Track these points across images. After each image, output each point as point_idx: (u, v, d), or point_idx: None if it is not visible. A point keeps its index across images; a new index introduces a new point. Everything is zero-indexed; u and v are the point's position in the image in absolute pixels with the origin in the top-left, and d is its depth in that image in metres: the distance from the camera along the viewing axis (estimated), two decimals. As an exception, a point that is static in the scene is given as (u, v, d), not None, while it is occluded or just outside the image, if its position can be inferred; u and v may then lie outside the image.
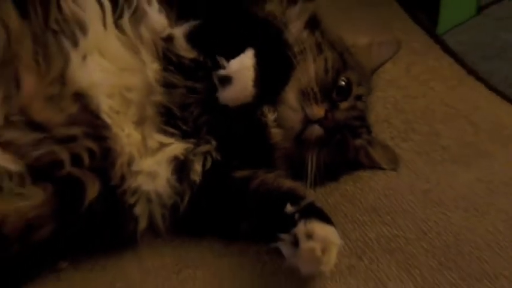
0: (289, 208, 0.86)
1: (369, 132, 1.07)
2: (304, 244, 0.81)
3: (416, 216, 1.00)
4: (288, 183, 0.94)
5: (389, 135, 1.18)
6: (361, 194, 1.05)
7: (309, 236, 0.81)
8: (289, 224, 0.85)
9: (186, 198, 0.93)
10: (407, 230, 0.98)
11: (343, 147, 1.02)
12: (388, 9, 1.51)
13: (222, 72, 0.90)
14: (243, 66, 0.90)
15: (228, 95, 0.90)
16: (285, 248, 0.84)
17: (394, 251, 0.93)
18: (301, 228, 0.82)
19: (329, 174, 1.03)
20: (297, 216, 0.85)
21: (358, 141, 1.04)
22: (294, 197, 0.89)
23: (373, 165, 1.09)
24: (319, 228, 0.82)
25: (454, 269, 0.91)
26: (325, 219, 0.86)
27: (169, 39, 0.94)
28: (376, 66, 1.10)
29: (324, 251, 0.80)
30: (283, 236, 0.84)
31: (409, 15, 1.49)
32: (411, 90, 1.30)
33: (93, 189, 0.88)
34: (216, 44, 0.94)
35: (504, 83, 1.32)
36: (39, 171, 0.87)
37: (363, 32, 1.37)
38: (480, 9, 1.57)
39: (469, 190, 1.06)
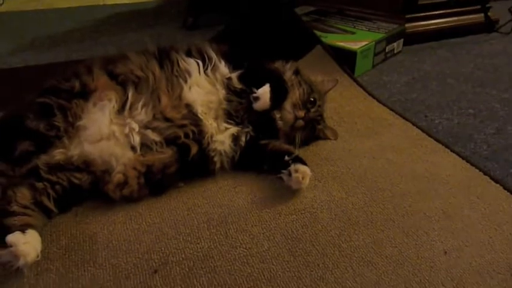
0: (286, 158, 0.97)
1: (324, 122, 1.15)
2: (294, 174, 0.93)
3: (346, 161, 1.07)
4: (286, 147, 1.03)
5: (333, 123, 1.20)
6: (319, 151, 1.11)
7: (296, 171, 0.94)
8: (286, 165, 0.96)
9: (238, 153, 1.01)
10: (341, 168, 1.05)
11: (313, 130, 1.12)
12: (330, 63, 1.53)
13: (254, 95, 1.02)
14: (264, 92, 1.02)
15: (257, 106, 1.02)
16: (285, 177, 0.95)
17: (336, 178, 1.01)
18: (292, 167, 0.95)
19: (306, 142, 1.12)
20: (290, 161, 0.96)
21: (319, 127, 1.13)
22: (289, 153, 0.99)
23: (326, 138, 1.15)
24: (301, 167, 0.95)
25: (364, 186, 0.98)
26: (304, 163, 0.97)
27: (229, 78, 1.04)
28: (326, 91, 1.17)
29: (303, 178, 0.93)
30: (284, 171, 0.95)
31: (340, 68, 1.51)
32: (342, 102, 1.35)
33: (194, 149, 0.96)
34: (252, 81, 1.03)
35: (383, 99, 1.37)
36: (169, 141, 0.96)
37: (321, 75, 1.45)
38: (373, 66, 1.63)
39: (368, 149, 1.11)
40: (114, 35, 2.01)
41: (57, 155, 0.90)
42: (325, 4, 2.07)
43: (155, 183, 0.94)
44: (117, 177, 0.91)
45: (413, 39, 1.84)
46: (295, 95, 1.07)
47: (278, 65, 1.15)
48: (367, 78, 1.58)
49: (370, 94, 1.40)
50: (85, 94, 0.95)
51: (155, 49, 1.05)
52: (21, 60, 1.68)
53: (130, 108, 0.95)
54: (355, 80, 1.47)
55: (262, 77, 1.04)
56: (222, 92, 1.02)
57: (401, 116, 1.28)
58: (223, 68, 1.04)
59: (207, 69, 1.03)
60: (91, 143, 0.92)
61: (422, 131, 1.21)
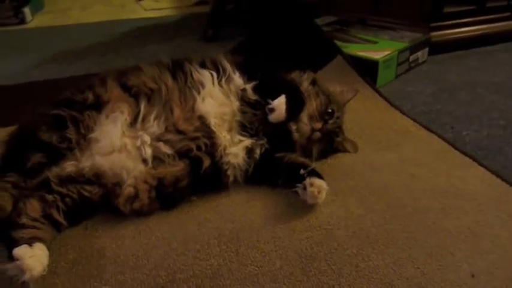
0: (302, 171, 0.93)
1: (343, 134, 1.11)
2: (309, 189, 0.90)
3: (366, 175, 1.02)
4: (301, 159, 0.99)
5: (353, 135, 1.14)
6: (338, 164, 1.07)
7: (311, 184, 0.90)
8: (302, 179, 0.92)
9: (252, 166, 0.98)
10: (360, 182, 1.00)
11: (331, 142, 1.08)
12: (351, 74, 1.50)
13: (270, 106, 0.99)
14: (280, 103, 0.99)
15: (273, 117, 0.99)
16: (300, 191, 0.91)
17: (354, 193, 0.96)
18: (307, 181, 0.91)
19: (324, 155, 1.08)
20: (306, 175, 0.93)
21: (338, 139, 1.09)
22: (305, 166, 0.95)
23: (345, 150, 1.11)
24: (317, 181, 0.91)
25: (383, 201, 0.93)
26: (320, 176, 0.93)
27: (244, 90, 1.02)
28: (345, 101, 1.13)
29: (319, 192, 0.89)
30: (299, 185, 0.91)
31: (361, 78, 1.47)
32: (363, 114, 1.30)
33: (206, 162, 0.94)
34: (267, 92, 1.00)
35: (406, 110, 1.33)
36: (182, 153, 0.94)
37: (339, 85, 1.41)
38: (396, 76, 1.58)
39: (389, 163, 1.06)
40: (135, 48, 2.04)
41: (69, 167, 0.90)
42: (347, 14, 2.04)
43: (166, 197, 0.92)
44: (128, 190, 0.90)
45: (439, 48, 1.77)
46: (312, 106, 1.04)
47: (295, 75, 1.12)
48: (390, 88, 1.53)
49: (392, 105, 1.35)
50: (98, 106, 0.94)
51: (169, 61, 1.04)
52: (43, 73, 1.72)
53: (143, 120, 0.94)
54: (377, 91, 1.42)
55: (277, 88, 1.01)
56: (236, 104, 0.99)
57: (425, 127, 1.23)
58: (237, 79, 1.02)
59: (221, 80, 1.02)
60: (102, 156, 0.91)
61: (448, 143, 1.15)
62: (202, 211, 0.93)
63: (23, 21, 2.47)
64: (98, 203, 0.90)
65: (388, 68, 1.54)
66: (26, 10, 2.49)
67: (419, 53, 1.68)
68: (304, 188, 0.90)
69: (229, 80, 1.02)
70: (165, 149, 0.93)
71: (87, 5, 3.04)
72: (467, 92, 1.48)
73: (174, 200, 0.93)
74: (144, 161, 0.92)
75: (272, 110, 0.98)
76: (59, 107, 0.94)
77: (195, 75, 1.00)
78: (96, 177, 0.90)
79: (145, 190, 0.91)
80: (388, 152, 1.12)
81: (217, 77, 1.02)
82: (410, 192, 0.97)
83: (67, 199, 0.87)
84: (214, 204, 0.95)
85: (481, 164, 1.06)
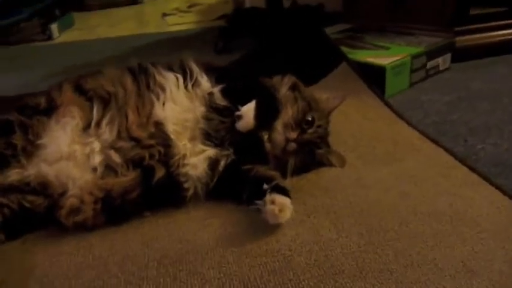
0: (265, 186, 0.80)
1: (327, 146, 0.96)
2: (269, 206, 0.76)
3: (349, 192, 0.87)
4: (270, 173, 0.85)
5: (345, 148, 1.01)
6: (319, 180, 0.92)
7: (272, 202, 0.77)
8: (264, 195, 0.78)
9: (215, 179, 0.87)
10: (341, 201, 0.84)
11: (311, 154, 0.94)
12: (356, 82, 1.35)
13: (237, 112, 0.87)
14: (248, 109, 0.87)
15: (240, 125, 0.87)
16: (262, 208, 0.77)
17: (330, 213, 0.81)
18: (268, 197, 0.78)
19: (303, 169, 0.94)
20: (268, 190, 0.78)
21: (320, 151, 0.95)
22: (270, 180, 0.81)
23: (330, 164, 0.96)
24: (279, 198, 0.78)
25: (363, 224, 0.78)
26: (285, 193, 0.80)
27: (211, 94, 0.91)
28: (330, 109, 0.99)
29: (280, 211, 0.76)
30: (259, 202, 0.78)
31: (367, 86, 1.32)
32: (363, 125, 1.15)
33: (160, 172, 0.84)
34: (237, 97, 0.89)
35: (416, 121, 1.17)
36: (134, 162, 0.84)
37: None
38: (411, 85, 1.41)
39: (381, 179, 0.90)
40: (148, 59, 2.00)
41: (13, 175, 0.83)
42: (368, 21, 1.89)
43: (114, 210, 0.82)
44: (70, 201, 0.81)
45: (464, 54, 1.57)
46: (288, 113, 0.91)
47: (275, 80, 1.01)
48: (402, 97, 1.36)
49: (398, 115, 1.18)
50: (50, 111, 0.88)
51: (136, 64, 0.96)
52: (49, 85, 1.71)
53: (96, 126, 0.86)
54: (382, 99, 1.26)
55: (247, 93, 0.90)
56: (200, 110, 0.88)
57: (432, 140, 1.05)
58: (205, 82, 0.92)
59: (187, 84, 0.92)
60: (49, 163, 0.83)
61: (456, 158, 0.97)
62: (152, 228, 0.82)
63: (50, 37, 2.55)
64: (43, 215, 0.83)
65: (399, 75, 1.37)
66: (53, 27, 2.56)
67: (439, 60, 1.49)
68: (265, 205, 0.77)
69: (196, 83, 0.92)
70: (116, 157, 0.84)
71: (116, 22, 3.10)
72: (490, 102, 1.28)
73: (123, 213, 0.83)
74: (94, 170, 0.84)
75: (240, 117, 0.88)
76: (11, 113, 0.89)
77: (158, 78, 0.91)
78: (42, 187, 0.83)
79: (90, 202, 0.81)
80: (383, 167, 0.96)
81: (183, 81, 0.92)
82: (398, 214, 0.80)
83: (5, 210, 0.80)
84: (168, 221, 0.83)
85: (491, 183, 0.87)
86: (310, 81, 1.37)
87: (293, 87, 0.97)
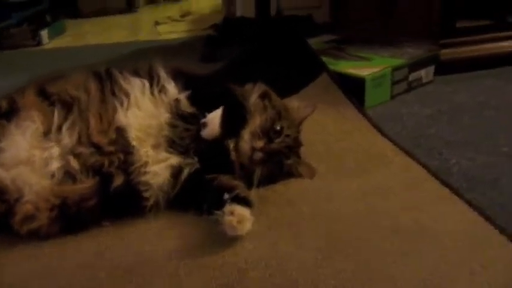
0: (225, 196, 0.78)
1: (296, 156, 0.94)
2: (227, 217, 0.74)
3: (314, 205, 0.85)
4: (233, 182, 0.83)
5: (317, 159, 0.98)
6: (285, 190, 0.90)
7: (231, 212, 0.74)
8: (224, 205, 0.76)
9: (177, 188, 0.85)
10: (305, 213, 0.83)
11: (279, 165, 0.91)
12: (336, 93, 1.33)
13: (203, 120, 0.86)
14: (213, 116, 0.86)
15: (205, 133, 0.86)
16: (220, 219, 0.75)
17: (292, 226, 0.80)
18: (227, 208, 0.76)
19: (270, 179, 0.91)
20: (229, 201, 0.76)
21: (289, 161, 0.92)
22: (232, 190, 0.79)
23: (300, 176, 0.94)
24: (238, 209, 0.76)
25: (324, 238, 0.75)
26: (247, 203, 0.78)
27: (177, 100, 0.89)
28: (301, 119, 0.97)
29: (239, 222, 0.73)
30: (219, 212, 0.76)
31: (346, 97, 1.31)
32: (338, 136, 1.13)
33: (118, 180, 0.81)
34: (203, 104, 0.88)
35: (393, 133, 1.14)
36: (93, 169, 0.82)
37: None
38: (392, 97, 1.39)
39: (349, 192, 0.88)
40: (132, 65, 2.00)
41: (-31, 180, 0.82)
42: (358, 32, 1.88)
43: (69, 218, 0.80)
44: (25, 208, 0.78)
45: (449, 67, 1.54)
46: (255, 122, 0.89)
47: (246, 88, 0.99)
48: (382, 109, 1.34)
49: (375, 127, 1.16)
50: (11, 114, 0.85)
51: (103, 69, 0.95)
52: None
53: (57, 131, 0.84)
54: (360, 111, 1.24)
55: (216, 100, 0.88)
56: (165, 116, 0.86)
57: (406, 152, 1.03)
58: (172, 89, 0.89)
59: (153, 89, 0.90)
60: (7, 168, 0.80)
61: (428, 171, 0.95)
62: (108, 237, 0.79)
63: (39, 43, 2.53)
64: (-2, 221, 0.82)
65: (380, 86, 1.35)
66: (43, 33, 2.54)
67: (422, 72, 1.47)
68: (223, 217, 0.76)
69: (162, 90, 0.90)
70: (75, 163, 0.81)
71: (107, 29, 3.09)
72: (471, 115, 1.25)
73: (79, 222, 0.81)
74: (52, 176, 0.82)
75: (205, 125, 0.86)
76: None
77: (123, 83, 0.89)
78: (-2, 192, 0.82)
79: (45, 209, 0.79)
80: (353, 179, 0.94)
81: (150, 86, 0.90)
82: (361, 228, 0.78)
83: (-43, 214, 0.79)
84: (125, 231, 0.81)
85: (462, 198, 0.84)
86: (290, 91, 1.36)
87: (263, 96, 0.95)
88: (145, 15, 3.64)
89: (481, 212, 0.80)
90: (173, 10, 3.70)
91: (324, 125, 1.21)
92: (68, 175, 0.82)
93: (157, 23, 3.14)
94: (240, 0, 2.49)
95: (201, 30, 2.77)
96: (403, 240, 0.74)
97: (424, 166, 0.96)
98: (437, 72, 1.56)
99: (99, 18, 3.51)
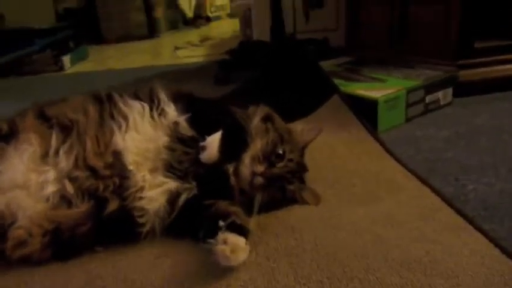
0: (220, 223, 0.74)
1: (300, 182, 0.90)
2: (219, 246, 0.70)
3: (318, 233, 0.79)
4: (231, 209, 0.79)
5: (323, 185, 0.94)
6: (287, 217, 0.85)
7: (224, 241, 0.70)
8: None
9: (174, 214, 0.81)
10: (306, 243, 0.77)
11: (281, 190, 0.87)
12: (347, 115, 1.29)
13: (202, 143, 0.83)
14: (212, 140, 0.82)
15: (204, 157, 0.82)
16: (213, 248, 0.70)
17: (292, 256, 0.74)
18: (220, 236, 0.71)
19: (272, 205, 0.87)
20: (223, 228, 0.72)
21: (291, 187, 0.88)
22: (228, 217, 0.75)
23: (303, 202, 0.89)
24: (232, 238, 0.72)
25: (326, 270, 0.70)
26: (242, 232, 0.73)
27: (176, 123, 0.86)
28: (306, 142, 0.93)
29: (232, 252, 0.69)
30: (212, 240, 0.71)
31: (358, 119, 1.27)
32: (348, 160, 1.09)
33: (113, 204, 0.79)
34: (203, 127, 0.85)
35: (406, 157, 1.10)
36: (89, 193, 0.79)
37: (331, 129, 1.22)
38: (408, 119, 1.34)
39: (355, 220, 0.83)
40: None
41: (-36, 203, 0.81)
42: (372, 53, 1.84)
43: (62, 244, 0.77)
44: (18, 233, 0.76)
45: (468, 89, 1.49)
46: (257, 145, 0.86)
47: (250, 110, 0.96)
48: (396, 132, 1.29)
49: (387, 151, 1.11)
50: (10, 137, 0.85)
51: (104, 92, 0.94)
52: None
53: (55, 154, 0.83)
54: (372, 134, 1.19)
55: (216, 122, 0.85)
56: (163, 139, 0.84)
57: (419, 178, 0.97)
58: (172, 112, 0.87)
59: (153, 113, 0.88)
60: (2, 192, 0.79)
61: (442, 199, 0.88)
62: (100, 265, 0.76)
63: (61, 68, 2.61)
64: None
65: (394, 109, 1.30)
66: (65, 58, 2.63)
67: (439, 94, 1.42)
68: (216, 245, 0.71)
69: (162, 112, 0.88)
70: (70, 187, 0.79)
71: (129, 54, 3.17)
72: (489, 138, 1.18)
73: (72, 248, 0.78)
74: (47, 200, 0.80)
75: (204, 148, 0.83)
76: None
77: (122, 107, 0.87)
78: (-7, 216, 0.80)
79: (38, 234, 0.77)
80: (360, 206, 0.88)
81: (150, 110, 0.88)
82: (367, 260, 0.72)
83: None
84: (118, 258, 0.78)
85: (477, 228, 0.78)
86: (301, 114, 1.33)
87: (266, 118, 0.92)
88: (167, 41, 3.72)
89: (498, 244, 0.73)
90: (194, 36, 3.78)
91: (334, 149, 1.17)
92: (64, 199, 0.80)
93: (176, 48, 3.21)
94: (256, 24, 2.52)
95: (219, 55, 2.80)
96: (414, 273, 0.68)
97: (438, 193, 0.90)
98: (456, 94, 1.50)
99: (122, 44, 3.61)
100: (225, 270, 0.71)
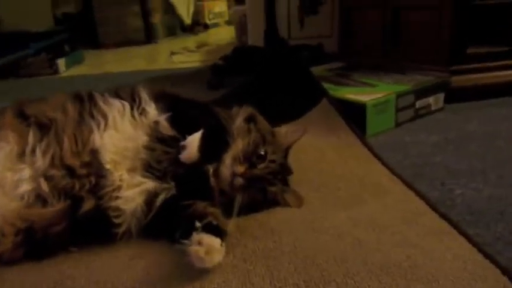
0: (196, 224, 0.71)
1: (283, 184, 0.88)
2: (193, 247, 0.68)
3: (298, 236, 0.77)
4: (209, 210, 0.76)
5: (307, 188, 0.92)
6: (267, 220, 0.83)
7: (200, 242, 0.68)
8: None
9: (151, 215, 0.79)
10: (285, 245, 0.74)
11: (262, 192, 0.85)
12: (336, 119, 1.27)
13: (182, 143, 0.81)
14: (193, 139, 0.80)
15: (183, 157, 0.80)
16: (187, 249, 0.68)
17: (269, 259, 0.72)
18: (195, 237, 0.69)
19: (252, 207, 0.85)
20: (199, 229, 0.70)
21: (273, 188, 0.86)
22: (204, 217, 0.73)
23: (285, 204, 0.87)
24: (207, 238, 0.69)
25: (303, 273, 0.68)
26: (217, 233, 0.71)
27: (156, 122, 0.84)
28: (289, 143, 0.91)
29: (207, 253, 0.67)
30: (186, 241, 0.69)
31: (345, 123, 1.25)
32: (335, 164, 1.07)
33: (88, 204, 0.77)
34: (183, 127, 0.83)
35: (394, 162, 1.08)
36: (64, 192, 0.77)
37: (320, 133, 1.21)
38: (398, 124, 1.32)
39: (337, 223, 0.80)
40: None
41: None
42: (360, 60, 1.84)
43: (35, 243, 0.75)
44: (-11, 232, 0.76)
45: (460, 95, 1.48)
46: (238, 146, 0.84)
47: (233, 110, 0.94)
48: (385, 137, 1.27)
49: (374, 155, 1.09)
50: (-13, 135, 0.85)
51: (85, 92, 0.93)
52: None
53: (31, 152, 0.81)
54: (359, 138, 1.18)
55: (196, 122, 0.83)
56: (143, 139, 0.82)
57: (404, 182, 0.95)
58: (152, 111, 0.85)
59: (133, 112, 0.86)
60: None
61: (427, 203, 0.86)
62: (74, 265, 0.74)
63: (56, 71, 2.61)
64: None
65: (383, 113, 1.28)
66: (60, 62, 2.62)
67: (430, 99, 1.41)
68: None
69: (143, 112, 0.86)
70: (45, 186, 0.77)
71: (125, 59, 3.17)
72: (480, 144, 1.17)
73: (45, 248, 0.76)
74: (22, 198, 0.78)
75: (183, 147, 0.81)
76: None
77: (102, 105, 0.86)
78: (-34, 216, 0.78)
79: (10, 233, 0.75)
80: (343, 210, 0.86)
81: (130, 108, 0.87)
82: (346, 264, 0.69)
83: None
84: (92, 259, 0.75)
85: (462, 233, 0.75)
86: (290, 117, 1.31)
87: (248, 119, 0.90)
88: (164, 47, 3.72)
89: (482, 249, 0.71)
90: (191, 42, 3.78)
91: (322, 152, 1.15)
92: (39, 198, 0.78)
93: (172, 53, 3.21)
94: (251, 29, 2.52)
95: (214, 60, 2.80)
96: (393, 278, 0.66)
97: (423, 198, 0.88)
98: (448, 100, 1.49)
99: (119, 49, 3.61)
100: (200, 272, 0.68)
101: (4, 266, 0.74)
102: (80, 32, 3.32)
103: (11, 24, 2.99)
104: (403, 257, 0.70)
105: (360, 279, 0.66)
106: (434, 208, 0.84)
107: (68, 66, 2.73)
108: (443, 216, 0.81)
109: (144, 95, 0.89)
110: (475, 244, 0.72)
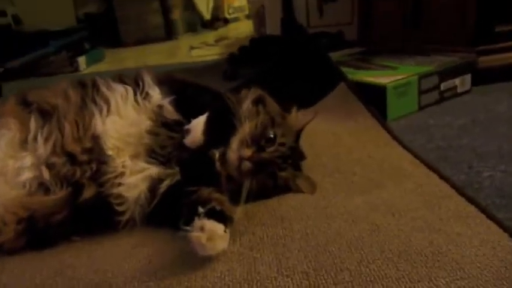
0: (200, 209, 0.67)
1: (295, 168, 0.82)
2: (194, 233, 0.64)
3: (309, 223, 0.72)
4: (214, 195, 0.72)
5: (322, 173, 0.87)
6: (278, 206, 0.78)
7: (202, 228, 0.64)
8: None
9: (154, 202, 0.76)
10: (296, 232, 0.69)
11: (272, 177, 0.80)
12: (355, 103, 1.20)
13: (186, 126, 0.77)
14: (197, 123, 0.77)
15: (188, 141, 0.77)
16: (189, 236, 0.64)
17: (278, 246, 0.67)
18: (197, 223, 0.65)
19: (262, 193, 0.79)
20: (202, 215, 0.65)
21: (284, 174, 0.80)
22: (208, 203, 0.68)
23: (298, 190, 0.82)
24: (209, 224, 0.65)
25: (313, 261, 0.62)
26: (220, 219, 0.66)
27: (160, 106, 0.81)
28: (300, 126, 0.86)
29: (209, 240, 0.63)
30: (188, 228, 0.65)
31: (365, 107, 1.18)
32: (352, 148, 1.00)
33: (89, 191, 0.74)
34: (188, 110, 0.80)
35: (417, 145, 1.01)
36: (66, 180, 0.75)
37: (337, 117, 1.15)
38: (421, 107, 1.24)
39: (352, 209, 0.74)
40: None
41: None
42: (381, 45, 1.76)
43: (36, 232, 0.73)
44: (-9, 220, 0.74)
45: (488, 76, 1.37)
46: (245, 129, 0.79)
47: (242, 93, 0.88)
48: (407, 121, 1.19)
49: (394, 138, 1.02)
50: (-11, 122, 0.83)
51: (89, 79, 0.90)
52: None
53: (33, 140, 0.78)
54: (379, 121, 1.10)
55: (202, 105, 0.79)
56: (146, 124, 0.79)
57: (427, 165, 0.87)
58: (156, 95, 0.82)
59: (137, 96, 0.83)
60: None
61: (452, 186, 0.79)
62: (74, 254, 0.71)
63: (77, 69, 2.62)
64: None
65: (405, 95, 1.20)
66: (81, 59, 2.63)
67: (456, 81, 1.31)
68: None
69: (147, 96, 0.83)
70: (46, 174, 0.75)
71: (145, 55, 3.17)
72: (509, 126, 1.07)
73: (47, 236, 0.74)
74: (24, 186, 0.75)
75: (187, 131, 0.77)
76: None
77: (104, 90, 0.82)
78: (-32, 204, 0.77)
79: (12, 222, 0.73)
80: (360, 195, 0.79)
81: (134, 93, 0.83)
82: (361, 251, 0.63)
83: None
84: (94, 248, 0.73)
85: (491, 217, 0.68)
86: (308, 103, 1.26)
87: (257, 101, 0.85)
88: (184, 42, 3.70)
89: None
90: (211, 37, 3.75)
91: (338, 137, 1.09)
92: (41, 186, 0.76)
93: (192, 48, 3.18)
94: (269, 19, 2.46)
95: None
96: (412, 265, 0.60)
97: (448, 180, 0.81)
98: (475, 82, 1.39)
99: (139, 46, 3.62)
100: (203, 260, 0.64)
101: (5, 256, 0.72)
102: (102, 32, 3.35)
103: (33, 26, 3.05)
104: (425, 243, 0.64)
105: (375, 267, 0.60)
106: (460, 191, 0.77)
107: (89, 64, 2.74)
108: (470, 199, 0.74)
109: (148, 79, 0.86)
110: (506, 229, 0.65)
